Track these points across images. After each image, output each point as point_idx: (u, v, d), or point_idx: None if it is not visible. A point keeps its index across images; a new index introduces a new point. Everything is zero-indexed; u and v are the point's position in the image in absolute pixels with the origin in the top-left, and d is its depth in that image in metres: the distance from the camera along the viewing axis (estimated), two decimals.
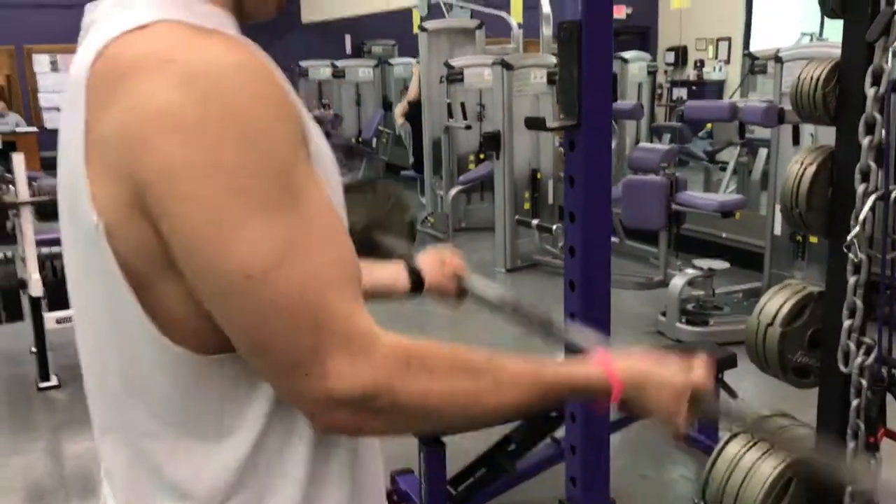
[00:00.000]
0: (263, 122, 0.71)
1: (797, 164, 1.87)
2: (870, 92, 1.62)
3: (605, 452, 1.81)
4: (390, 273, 1.32)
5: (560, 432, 2.52)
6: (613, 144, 6.48)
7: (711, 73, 13.48)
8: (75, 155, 0.73)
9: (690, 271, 4.58)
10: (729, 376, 3.23)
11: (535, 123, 1.79)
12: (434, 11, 8.36)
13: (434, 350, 0.79)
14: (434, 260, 1.38)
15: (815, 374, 2.01)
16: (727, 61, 13.21)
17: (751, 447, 2.04)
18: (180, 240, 0.70)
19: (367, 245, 1.39)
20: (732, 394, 3.22)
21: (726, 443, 2.10)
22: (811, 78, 1.83)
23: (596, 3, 1.54)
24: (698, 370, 0.99)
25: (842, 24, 1.72)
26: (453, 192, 7.08)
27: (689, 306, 4.63)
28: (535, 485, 2.83)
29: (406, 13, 9.28)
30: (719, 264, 4.55)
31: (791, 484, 1.95)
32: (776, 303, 2.03)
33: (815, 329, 2.00)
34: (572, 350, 1.10)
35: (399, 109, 8.74)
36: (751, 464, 2.00)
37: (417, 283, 1.34)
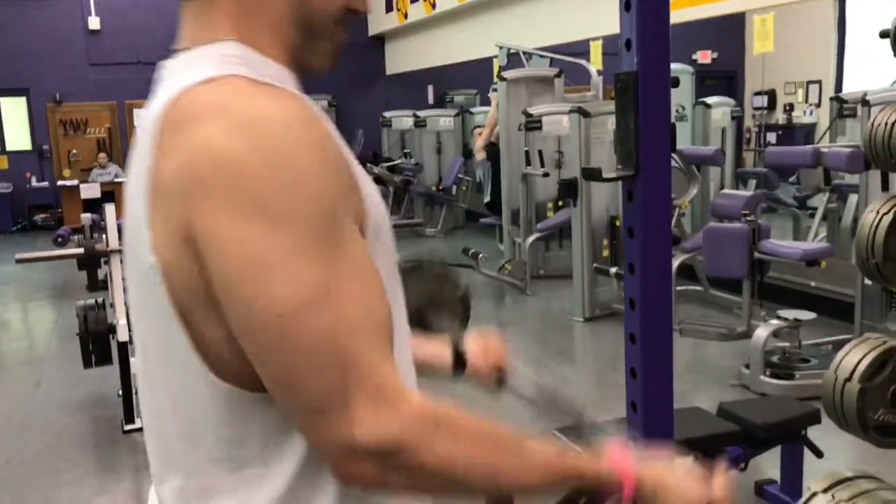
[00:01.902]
0: (309, 171, 0.74)
1: (872, 212, 1.80)
2: None
3: None
4: (434, 350, 1.31)
5: None
6: (695, 191, 6.37)
7: (801, 116, 13.14)
8: (139, 199, 0.78)
9: (775, 322, 4.42)
10: (814, 433, 3.09)
11: (591, 175, 1.78)
12: (514, 60, 8.44)
13: (462, 417, 0.79)
14: (480, 345, 1.37)
15: None
16: (818, 105, 12.86)
17: None
18: (220, 277, 0.74)
19: (420, 323, 1.39)
20: (817, 452, 3.08)
21: (806, 503, 2.00)
22: (885, 123, 1.77)
23: (653, 54, 1.53)
24: (718, 483, 0.96)
25: None
26: (531, 239, 7.06)
27: (774, 358, 4.45)
28: None
29: (487, 62, 9.40)
30: (805, 315, 4.37)
31: None
32: (855, 357, 1.95)
33: None
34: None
35: (480, 143, 8.77)
36: None
37: (460, 364, 1.33)
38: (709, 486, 0.96)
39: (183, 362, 0.79)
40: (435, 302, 1.45)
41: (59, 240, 8.45)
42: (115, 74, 12.87)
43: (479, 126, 9.48)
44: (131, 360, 4.23)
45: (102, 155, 12.68)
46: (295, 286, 0.72)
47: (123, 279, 4.28)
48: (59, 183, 12.64)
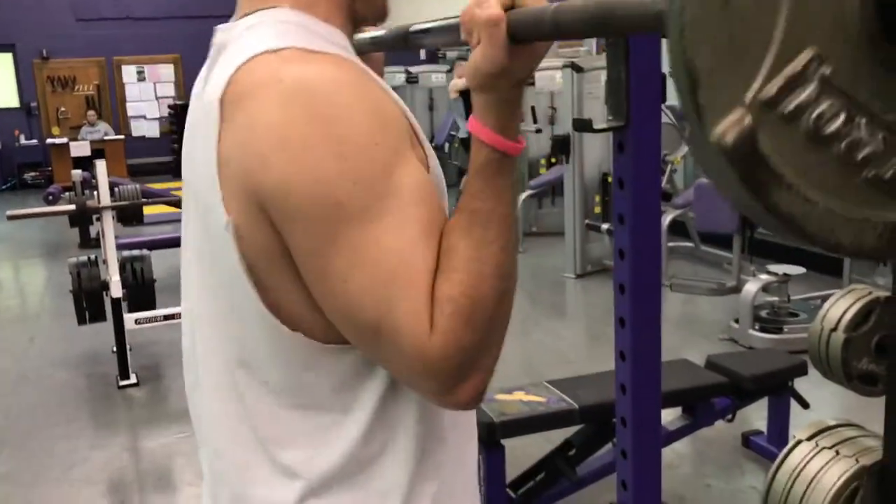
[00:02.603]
0: (360, 134, 0.76)
1: None
2: None
3: (656, 457, 1.78)
4: None
5: None
6: (687, 148, 6.37)
7: None
8: (207, 166, 0.80)
9: (764, 277, 4.46)
10: (800, 386, 3.14)
11: (582, 125, 1.78)
12: None
13: (456, 243, 0.78)
14: None
15: (882, 383, 1.95)
16: None
17: (815, 455, 1.99)
18: (295, 249, 0.78)
19: None
20: (803, 403, 3.13)
21: (790, 451, 2.05)
22: None
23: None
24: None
25: None
26: (523, 196, 7.06)
27: (763, 313, 4.50)
28: (595, 490, 2.80)
29: None
30: (795, 269, 4.41)
31: (857, 494, 1.89)
32: (840, 308, 1.97)
33: (882, 335, 1.93)
34: None
35: (455, 84, 8.56)
36: (815, 473, 1.95)
37: None
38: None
39: (250, 314, 0.82)
40: None
41: (50, 197, 8.43)
42: (103, 30, 12.71)
43: (462, 59, 9.29)
44: (125, 316, 4.26)
45: (91, 112, 12.58)
46: (354, 254, 0.75)
47: (116, 237, 4.29)
48: (49, 141, 12.55)
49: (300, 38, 0.81)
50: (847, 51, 0.50)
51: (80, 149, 11.19)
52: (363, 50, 1.08)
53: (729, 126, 0.48)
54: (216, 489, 0.96)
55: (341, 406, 0.85)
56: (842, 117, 0.50)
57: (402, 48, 1.15)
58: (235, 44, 0.84)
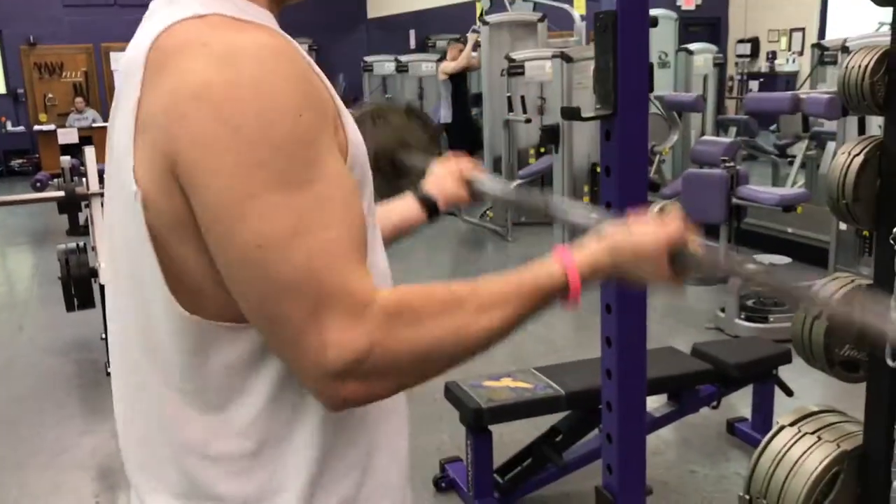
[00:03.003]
0: (287, 100, 0.76)
1: (844, 154, 1.84)
2: None
3: (640, 441, 1.81)
4: (402, 210, 1.28)
5: None
6: (675, 137, 6.40)
7: (784, 64, 13.13)
8: (125, 129, 0.80)
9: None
10: (785, 374, 3.18)
11: (570, 113, 1.80)
12: (497, 5, 8.35)
13: (417, 294, 0.80)
14: (442, 175, 1.34)
15: (863, 369, 1.98)
16: (800, 53, 12.85)
17: (797, 440, 2.02)
18: (204, 210, 0.75)
19: (395, 165, 1.38)
20: (787, 391, 3.17)
21: (773, 436, 2.08)
22: (859, 66, 1.80)
23: None
24: (672, 223, 0.94)
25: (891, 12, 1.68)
26: (512, 185, 7.08)
27: (749, 302, 4.55)
28: (581, 475, 2.83)
29: (469, 6, 9.30)
30: (780, 259, 4.46)
31: (838, 478, 1.92)
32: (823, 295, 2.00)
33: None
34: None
35: (450, 67, 8.49)
36: (797, 457, 1.98)
37: (432, 207, 1.31)
38: (662, 230, 0.92)
39: (152, 289, 0.81)
40: (404, 142, 1.42)
41: (38, 185, 8.38)
42: (91, 16, 12.61)
43: (455, 41, 9.26)
44: None
45: (79, 99, 12.49)
46: (274, 218, 0.74)
47: (102, 220, 4.28)
48: (36, 128, 12.46)
49: (227, 8, 0.81)
50: None
51: (67, 136, 11.13)
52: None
53: None
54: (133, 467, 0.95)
55: (233, 391, 0.83)
56: None
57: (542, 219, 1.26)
58: (160, 12, 0.84)
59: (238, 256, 0.75)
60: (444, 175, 1.33)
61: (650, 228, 0.93)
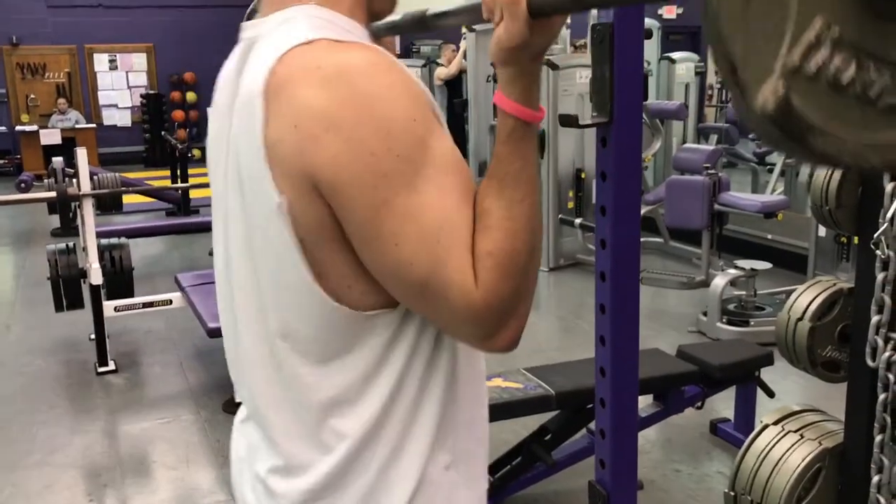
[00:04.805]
0: (399, 109, 0.84)
1: None
2: None
3: (633, 437, 1.88)
4: None
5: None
6: (658, 144, 6.50)
7: None
8: (254, 151, 0.87)
9: (732, 271, 4.59)
10: (766, 377, 3.26)
11: (568, 121, 1.86)
12: None
13: (487, 217, 0.87)
14: None
15: (844, 369, 2.05)
16: None
17: (781, 438, 2.09)
18: (348, 220, 0.85)
19: None
20: (769, 392, 3.26)
21: (757, 434, 2.15)
22: None
23: (628, 7, 1.62)
24: None
25: None
26: None
27: (731, 306, 4.64)
28: (569, 474, 2.90)
29: None
30: (761, 265, 4.55)
31: (820, 475, 2.00)
32: (806, 298, 2.08)
33: (845, 325, 2.04)
34: None
35: (442, 72, 8.77)
36: (780, 455, 2.05)
37: None
38: None
39: (300, 289, 0.90)
40: None
41: (23, 185, 8.36)
42: (75, 17, 12.57)
43: (449, 43, 9.38)
44: (104, 303, 4.28)
45: (62, 100, 12.45)
46: (405, 220, 0.83)
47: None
48: (18, 128, 12.39)
49: (330, 31, 0.89)
50: (849, 11, 0.61)
51: (50, 137, 11.10)
52: (379, 35, 1.16)
53: (767, 95, 0.59)
54: (255, 456, 1.04)
55: (367, 372, 0.93)
56: (853, 66, 0.61)
57: (420, 31, 1.23)
58: (269, 37, 0.91)
59: (380, 255, 0.85)
60: None
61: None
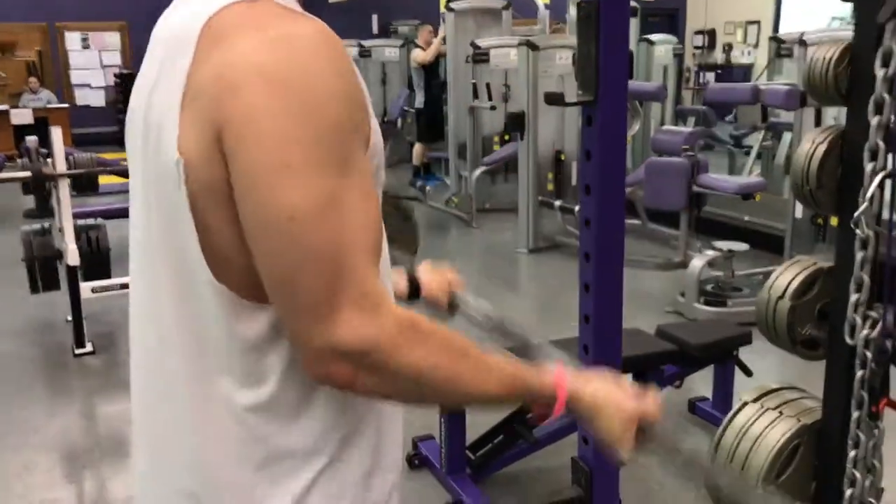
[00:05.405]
0: (335, 87, 0.81)
1: (809, 142, 1.93)
2: (879, 73, 1.67)
3: None
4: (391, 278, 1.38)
5: None
6: (637, 126, 6.51)
7: (740, 56, 13.39)
8: (169, 98, 0.83)
9: (710, 252, 4.63)
10: (744, 356, 3.29)
11: (554, 99, 1.86)
12: None
13: (434, 327, 0.87)
14: (433, 274, 1.46)
15: (823, 347, 2.08)
16: (756, 45, 13.11)
17: (760, 415, 2.12)
18: (241, 176, 0.79)
19: None
20: (747, 371, 3.29)
21: (737, 412, 2.18)
22: (823, 59, 1.89)
23: None
24: (651, 400, 1.04)
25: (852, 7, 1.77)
26: (477, 172, 7.14)
27: (709, 287, 4.68)
28: (551, 451, 2.92)
29: None
30: (739, 246, 4.59)
31: (798, 450, 2.03)
32: (787, 277, 2.10)
33: (824, 303, 2.06)
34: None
35: (421, 56, 8.48)
36: (759, 431, 2.08)
37: (415, 291, 1.43)
38: (641, 401, 1.03)
39: (188, 258, 0.85)
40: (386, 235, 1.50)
41: None
42: None
43: (426, 24, 9.24)
44: (81, 284, 4.23)
45: (33, 79, 12.20)
46: (309, 193, 0.78)
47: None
48: None
49: None
50: None
51: (21, 116, 10.89)
52: None
53: None
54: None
55: (250, 368, 0.87)
56: None
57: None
58: None
59: (268, 224, 0.79)
60: (432, 276, 1.46)
61: (633, 396, 1.03)
